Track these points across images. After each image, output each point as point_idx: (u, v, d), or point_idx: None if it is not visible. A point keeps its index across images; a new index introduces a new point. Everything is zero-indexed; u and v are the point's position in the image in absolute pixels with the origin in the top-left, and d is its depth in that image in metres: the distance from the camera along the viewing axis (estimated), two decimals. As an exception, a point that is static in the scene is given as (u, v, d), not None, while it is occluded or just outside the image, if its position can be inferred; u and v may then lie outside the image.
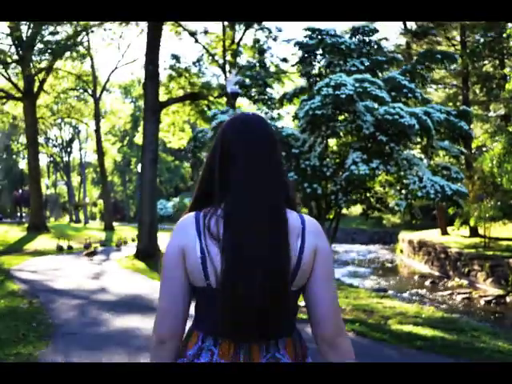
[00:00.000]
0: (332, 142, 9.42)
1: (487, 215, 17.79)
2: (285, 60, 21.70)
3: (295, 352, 1.66)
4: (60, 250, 20.95)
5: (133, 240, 26.52)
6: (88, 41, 32.63)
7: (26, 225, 31.40)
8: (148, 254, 17.05)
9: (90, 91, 39.95)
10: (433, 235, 25.23)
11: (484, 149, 20.38)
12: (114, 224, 44.45)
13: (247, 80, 9.46)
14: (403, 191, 8.18)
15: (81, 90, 41.40)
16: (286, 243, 1.58)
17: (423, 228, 29.15)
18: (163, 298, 1.65)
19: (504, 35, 19.02)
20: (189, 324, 1.69)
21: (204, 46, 24.15)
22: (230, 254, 1.53)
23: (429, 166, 8.76)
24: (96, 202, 73.11)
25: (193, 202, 1.74)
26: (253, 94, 9.34)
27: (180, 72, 21.81)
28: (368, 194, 9.15)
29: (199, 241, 1.58)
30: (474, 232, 22.80)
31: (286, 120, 19.97)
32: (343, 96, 7.20)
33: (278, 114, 9.87)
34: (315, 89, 7.86)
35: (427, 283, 17.54)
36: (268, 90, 9.32)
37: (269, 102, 9.43)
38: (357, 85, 7.50)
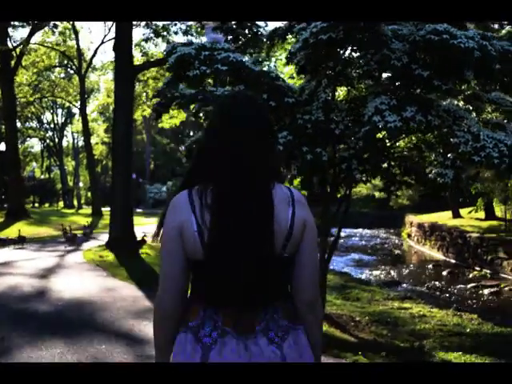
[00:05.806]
0: (341, 92, 6.82)
1: (515, 194, 15.50)
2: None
3: (289, 315, 1.74)
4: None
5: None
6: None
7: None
8: (121, 243, 14.52)
9: (75, 68, 37.61)
10: (444, 218, 23.06)
11: None
12: (105, 209, 42.36)
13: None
14: (449, 155, 5.50)
15: (66, 68, 39.53)
16: (270, 216, 1.64)
17: (431, 210, 26.87)
18: (165, 276, 1.72)
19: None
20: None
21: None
22: (217, 230, 1.61)
23: (476, 122, 6.13)
24: (90, 186, 71.09)
25: (186, 178, 1.78)
26: (234, 27, 6.65)
27: (158, 31, 18.85)
28: (393, 163, 6.52)
29: (194, 216, 1.64)
30: (490, 214, 20.82)
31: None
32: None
33: (267, 54, 7.22)
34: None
35: (445, 273, 15.45)
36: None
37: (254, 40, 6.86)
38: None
